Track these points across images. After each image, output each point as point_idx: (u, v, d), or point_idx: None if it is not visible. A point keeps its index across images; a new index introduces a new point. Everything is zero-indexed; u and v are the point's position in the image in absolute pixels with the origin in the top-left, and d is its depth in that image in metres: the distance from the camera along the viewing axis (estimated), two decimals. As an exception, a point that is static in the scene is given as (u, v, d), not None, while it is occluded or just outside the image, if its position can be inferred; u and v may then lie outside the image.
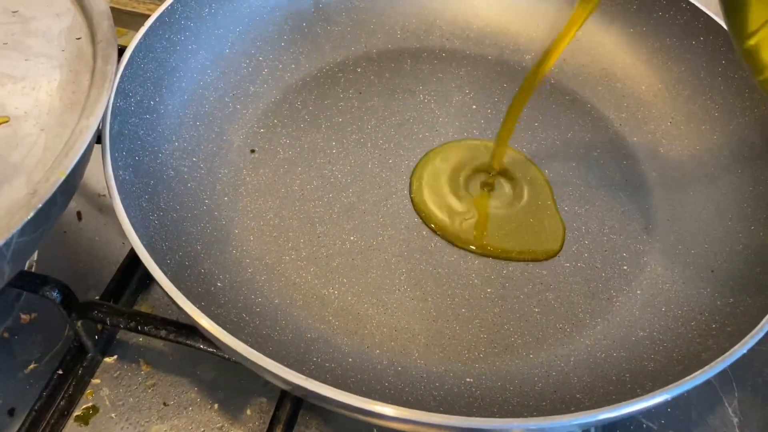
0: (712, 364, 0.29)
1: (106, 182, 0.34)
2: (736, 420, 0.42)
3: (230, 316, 0.35)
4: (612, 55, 0.51)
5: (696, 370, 0.30)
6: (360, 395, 0.29)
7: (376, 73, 0.50)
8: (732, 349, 0.30)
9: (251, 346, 0.29)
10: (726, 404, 0.43)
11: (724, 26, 0.44)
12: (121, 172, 0.36)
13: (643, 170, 0.46)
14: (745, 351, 0.30)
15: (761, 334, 0.31)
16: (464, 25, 0.53)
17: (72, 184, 0.33)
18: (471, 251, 0.41)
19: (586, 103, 0.50)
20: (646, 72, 0.49)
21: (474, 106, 0.49)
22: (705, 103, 0.46)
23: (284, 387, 0.30)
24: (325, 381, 0.32)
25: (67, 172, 0.30)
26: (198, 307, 0.31)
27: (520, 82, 0.50)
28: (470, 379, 0.35)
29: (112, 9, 0.55)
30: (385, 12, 0.52)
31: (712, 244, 0.40)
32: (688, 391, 0.29)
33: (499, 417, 0.32)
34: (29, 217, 0.28)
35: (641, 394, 0.30)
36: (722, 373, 0.38)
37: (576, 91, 0.50)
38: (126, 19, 0.61)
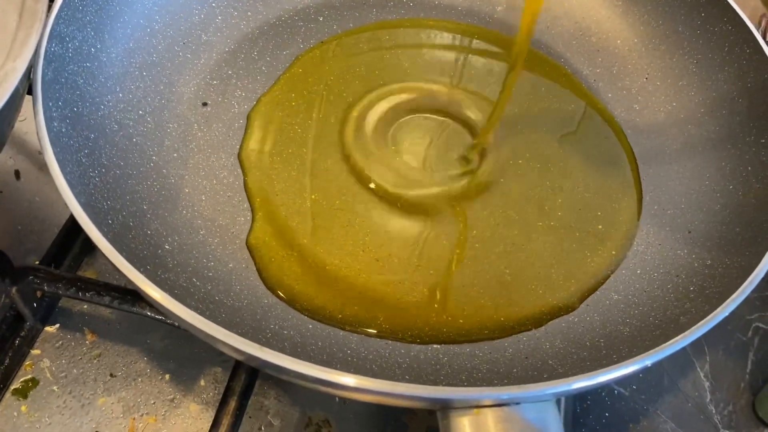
0: (693, 328, 0.28)
1: (38, 133, 0.30)
2: (707, 384, 0.41)
3: (179, 281, 0.32)
4: (586, 8, 0.48)
5: (675, 335, 0.28)
6: (320, 364, 0.26)
7: (338, 23, 0.47)
8: (714, 312, 0.28)
9: (201, 313, 0.27)
10: (698, 368, 0.42)
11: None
12: (56, 124, 0.32)
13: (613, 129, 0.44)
14: (727, 314, 0.29)
15: (743, 297, 0.29)
16: (433, -27, 0.50)
17: (-2, 134, 0.30)
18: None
19: (560, 58, 0.47)
20: (621, 26, 0.47)
21: (443, 59, 0.46)
22: (682, 59, 0.44)
23: (238, 357, 0.28)
24: (282, 350, 0.30)
25: (-11, 120, 0.27)
26: (142, 272, 0.28)
27: (491, 33, 0.48)
28: (437, 345, 0.34)
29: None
30: (349, -43, 0.49)
31: (689, 204, 0.39)
32: (669, 356, 0.27)
33: (468, 385, 0.30)
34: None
35: (616, 360, 0.28)
36: (694, 337, 0.37)
37: (549, 46, 0.48)
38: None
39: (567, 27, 0.48)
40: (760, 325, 0.44)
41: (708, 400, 0.40)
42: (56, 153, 0.30)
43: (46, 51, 0.33)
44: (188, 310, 0.27)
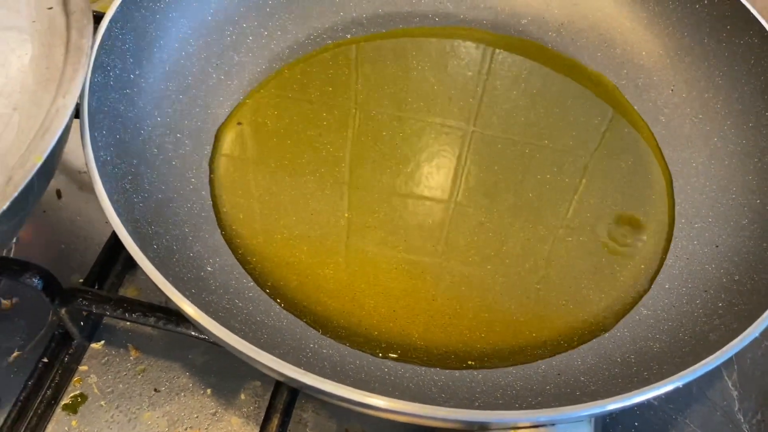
0: (724, 348, 0.29)
1: (87, 165, 0.32)
2: (735, 393, 0.42)
3: (222, 303, 0.33)
4: (611, 20, 0.49)
5: (705, 352, 0.29)
6: (359, 384, 0.28)
7: (366, 39, 0.48)
8: (744, 333, 0.29)
9: (244, 334, 0.28)
10: (726, 378, 0.42)
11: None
12: (102, 153, 0.34)
13: (644, 140, 0.44)
14: (757, 334, 0.29)
15: (773, 316, 0.30)
16: (458, -12, 0.51)
17: (50, 167, 0.31)
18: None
19: (585, 70, 0.48)
20: (646, 37, 0.48)
21: (469, 73, 0.47)
22: (708, 70, 0.44)
23: (279, 379, 0.29)
24: (321, 369, 0.31)
25: (44, 156, 0.28)
26: (188, 296, 0.29)
27: (515, 48, 0.48)
28: (472, 362, 0.35)
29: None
30: (375, -26, 0.50)
31: (716, 218, 0.39)
32: (700, 377, 0.28)
33: (503, 402, 0.31)
34: (5, 207, 0.26)
35: (647, 377, 0.29)
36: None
37: (574, 57, 0.48)
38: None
39: (592, 39, 0.49)
40: (788, 333, 0.44)
41: (736, 408, 0.41)
42: (104, 183, 0.31)
43: (90, 82, 0.34)
44: (232, 335, 0.28)
